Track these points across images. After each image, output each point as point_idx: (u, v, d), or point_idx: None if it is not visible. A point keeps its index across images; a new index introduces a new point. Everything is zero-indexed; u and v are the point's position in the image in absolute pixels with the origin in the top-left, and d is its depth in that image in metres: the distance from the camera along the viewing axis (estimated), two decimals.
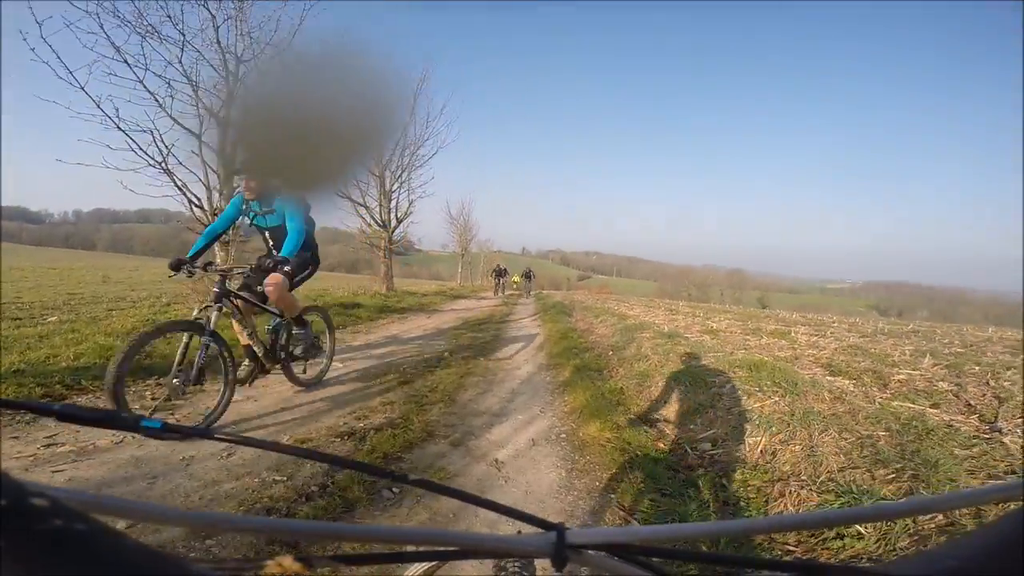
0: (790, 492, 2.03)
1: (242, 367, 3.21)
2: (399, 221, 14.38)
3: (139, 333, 2.53)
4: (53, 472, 2.09)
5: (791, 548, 1.75)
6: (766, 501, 2.05)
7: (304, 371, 3.63)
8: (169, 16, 5.74)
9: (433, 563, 0.43)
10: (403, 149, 13.88)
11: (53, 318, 6.18)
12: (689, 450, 2.73)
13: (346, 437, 2.67)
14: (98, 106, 5.41)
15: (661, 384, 3.85)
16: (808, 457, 2.30)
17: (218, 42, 6.15)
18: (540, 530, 0.34)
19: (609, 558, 0.35)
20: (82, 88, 5.28)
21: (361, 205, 13.39)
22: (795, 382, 3.21)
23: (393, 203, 14.14)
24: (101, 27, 5.34)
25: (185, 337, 2.71)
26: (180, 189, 6.14)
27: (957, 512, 1.66)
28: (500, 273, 21.44)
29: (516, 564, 0.75)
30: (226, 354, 2.82)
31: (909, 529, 1.69)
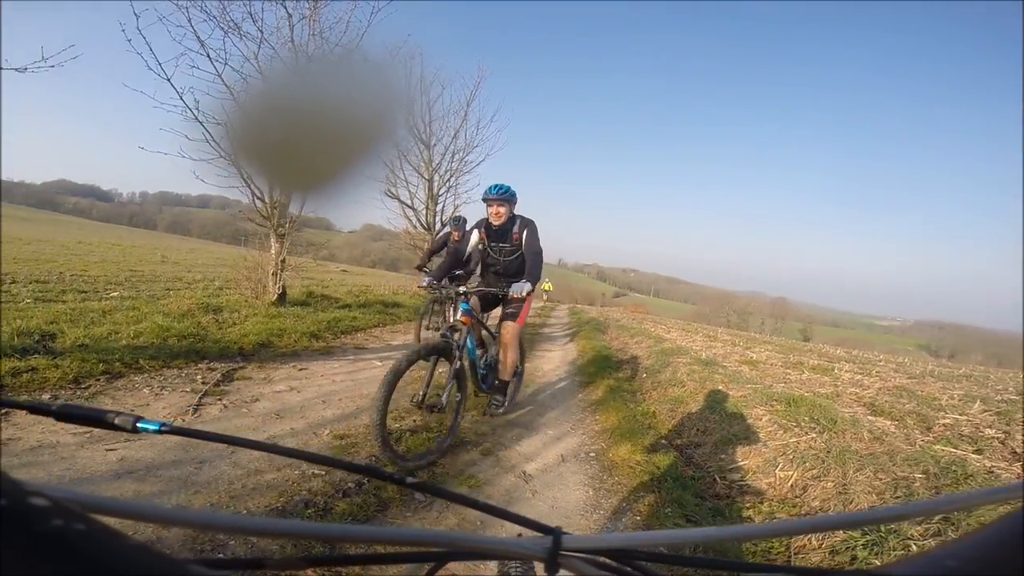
0: None
1: None
2: (443, 225, 14.58)
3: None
4: (107, 451, 2.21)
5: None
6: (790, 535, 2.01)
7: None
8: (251, 13, 6.06)
9: (432, 564, 0.44)
10: (453, 154, 14.11)
11: (115, 293, 6.60)
12: (718, 479, 2.72)
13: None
14: (180, 98, 5.73)
15: (695, 411, 3.80)
16: (839, 494, 2.27)
17: (292, 40, 6.43)
18: (539, 534, 0.34)
19: (605, 563, 0.35)
20: (168, 80, 5.62)
21: (409, 207, 13.67)
22: (834, 419, 3.15)
23: (439, 207, 14.35)
24: (189, 21, 5.69)
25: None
26: (246, 181, 6.42)
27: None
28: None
29: (518, 566, 0.76)
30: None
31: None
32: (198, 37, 5.75)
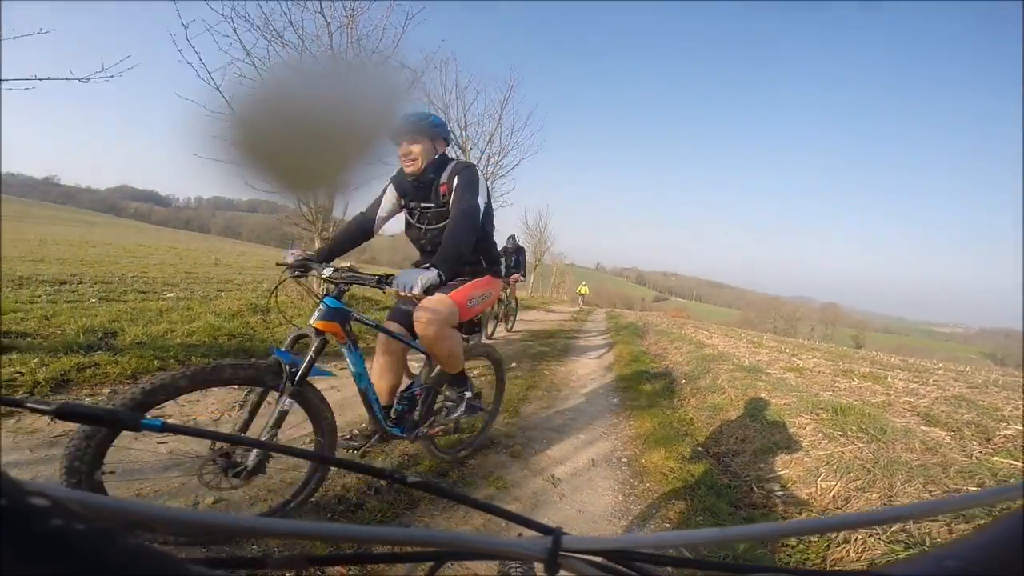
0: (856, 539, 1.91)
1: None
2: None
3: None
4: (158, 443, 2.31)
5: None
6: (827, 546, 1.94)
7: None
8: (291, 22, 6.29)
9: (431, 563, 0.43)
10: (488, 158, 14.22)
11: (172, 294, 6.95)
12: (756, 488, 2.64)
13: (417, 437, 2.80)
14: (229, 106, 5.99)
15: (734, 419, 3.71)
16: (884, 506, 2.16)
17: (331, 48, 6.63)
18: (539, 534, 0.34)
19: (606, 565, 0.35)
20: (217, 89, 5.90)
21: None
22: (884, 429, 3.03)
23: None
24: (235, 31, 5.91)
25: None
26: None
27: None
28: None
29: (518, 567, 0.75)
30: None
31: None
32: (244, 47, 6.00)
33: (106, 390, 2.99)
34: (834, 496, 2.38)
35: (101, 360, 3.29)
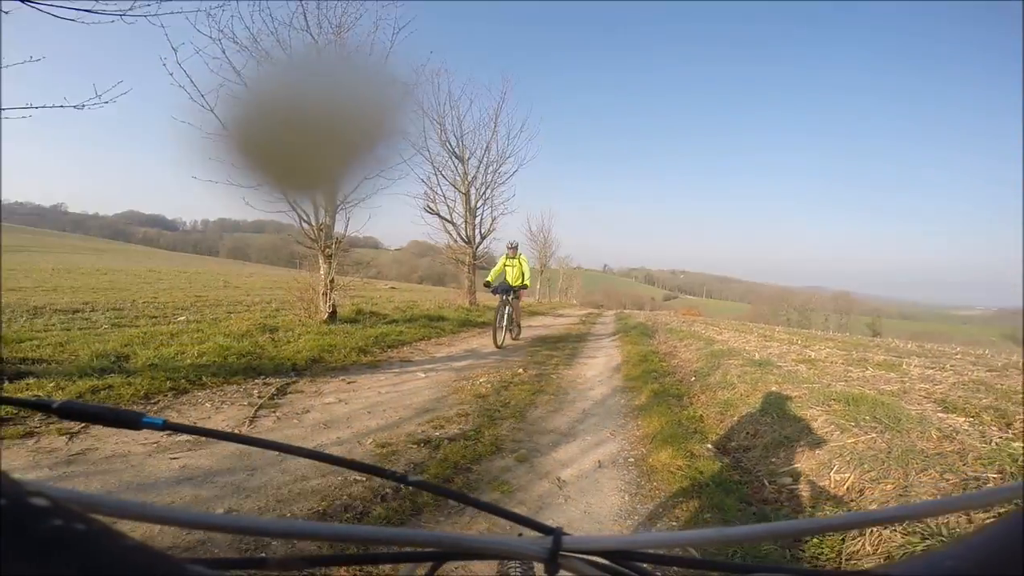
0: (871, 532, 1.88)
1: None
2: (483, 237, 14.72)
3: None
4: (171, 459, 2.37)
5: None
6: (842, 540, 1.91)
7: None
8: (279, 41, 6.32)
9: (430, 564, 0.43)
10: (486, 166, 14.28)
11: (182, 318, 7.04)
12: (767, 483, 2.61)
13: (422, 444, 2.82)
14: (224, 127, 6.08)
15: (745, 414, 3.68)
16: (899, 497, 2.13)
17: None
18: (539, 534, 0.34)
19: (606, 565, 0.35)
20: (211, 110, 5.97)
21: (449, 222, 13.93)
22: (898, 418, 2.97)
23: (477, 220, 14.53)
24: (223, 52, 5.91)
25: None
26: (291, 205, 6.73)
27: None
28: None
29: (517, 567, 0.75)
30: None
31: None
32: (233, 67, 6.00)
33: None
34: (848, 488, 2.34)
35: (115, 382, 3.36)
